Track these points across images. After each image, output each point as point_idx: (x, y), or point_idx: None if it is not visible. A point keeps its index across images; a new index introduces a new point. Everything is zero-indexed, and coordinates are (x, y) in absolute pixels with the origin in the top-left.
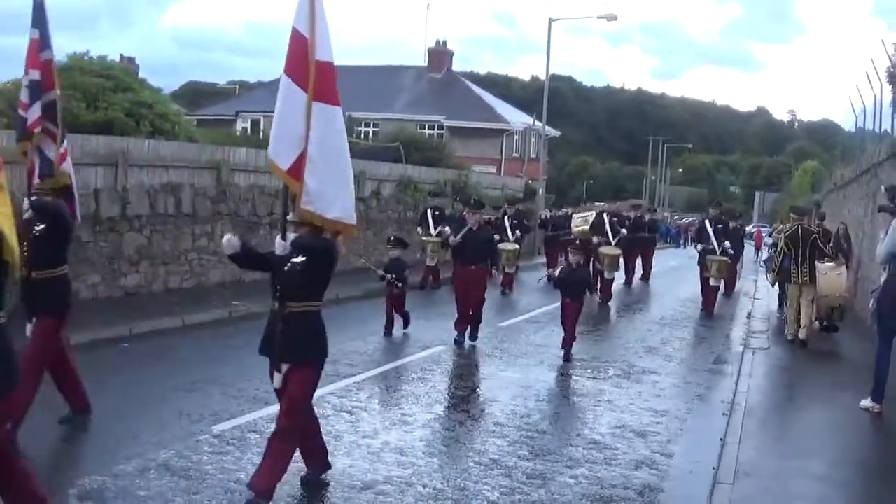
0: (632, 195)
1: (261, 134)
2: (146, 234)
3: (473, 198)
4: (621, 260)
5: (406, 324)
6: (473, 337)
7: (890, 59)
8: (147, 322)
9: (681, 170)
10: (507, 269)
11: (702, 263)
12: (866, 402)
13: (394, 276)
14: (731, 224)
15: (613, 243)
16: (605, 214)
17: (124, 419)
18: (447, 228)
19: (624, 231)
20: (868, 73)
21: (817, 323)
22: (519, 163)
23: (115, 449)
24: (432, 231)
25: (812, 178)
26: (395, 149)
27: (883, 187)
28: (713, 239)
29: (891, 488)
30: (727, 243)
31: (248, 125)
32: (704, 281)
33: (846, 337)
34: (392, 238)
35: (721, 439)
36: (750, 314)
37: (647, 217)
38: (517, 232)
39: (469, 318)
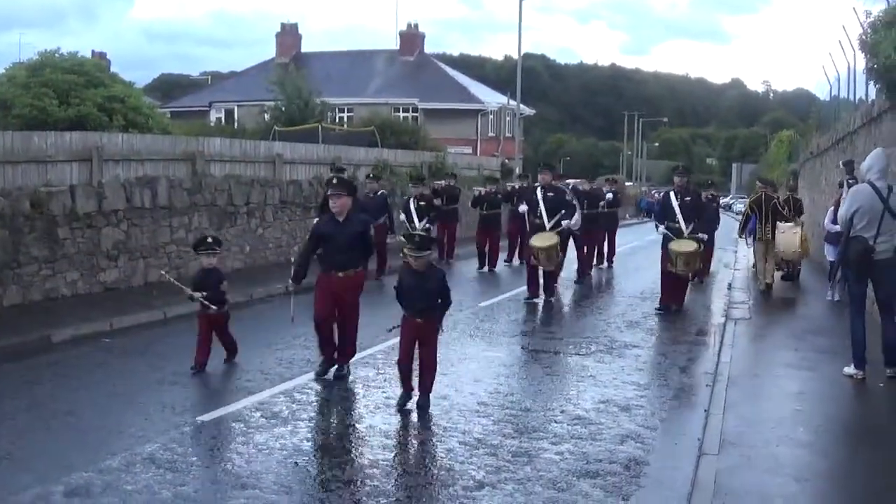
0: (609, 171)
1: (235, 124)
2: (123, 229)
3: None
4: (558, 251)
5: (231, 354)
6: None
7: (862, 25)
8: (128, 316)
9: (657, 144)
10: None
11: (665, 251)
12: (849, 370)
13: (204, 294)
14: (703, 194)
15: (549, 226)
16: (538, 188)
17: (108, 414)
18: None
19: (569, 222)
20: (840, 41)
21: (778, 273)
22: (495, 142)
23: (100, 444)
24: (417, 224)
25: (788, 147)
26: (371, 133)
27: (840, 162)
28: (679, 216)
29: (874, 452)
30: (703, 236)
31: (223, 115)
32: (668, 274)
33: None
34: (203, 241)
35: (705, 410)
36: (731, 285)
37: (606, 190)
38: (425, 218)
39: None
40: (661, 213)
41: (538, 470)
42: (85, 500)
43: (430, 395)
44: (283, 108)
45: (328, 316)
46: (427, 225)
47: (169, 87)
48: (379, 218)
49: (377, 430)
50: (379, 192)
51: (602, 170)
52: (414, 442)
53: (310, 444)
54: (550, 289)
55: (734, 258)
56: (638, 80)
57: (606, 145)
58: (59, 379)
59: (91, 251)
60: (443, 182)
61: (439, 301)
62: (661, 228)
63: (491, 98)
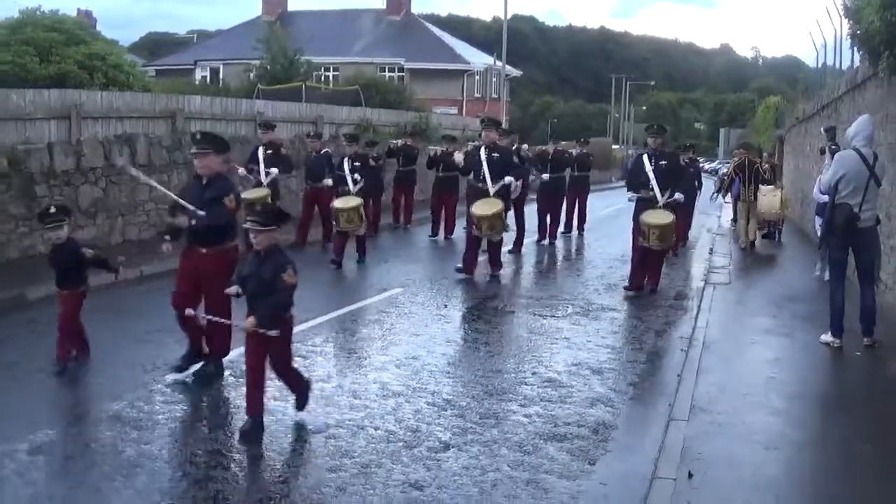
0: (596, 133)
1: (220, 82)
2: (102, 187)
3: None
4: (506, 216)
5: (83, 354)
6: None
7: None
8: (105, 274)
9: (645, 107)
10: (356, 233)
11: (636, 223)
12: (826, 337)
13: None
14: (682, 158)
15: (493, 191)
16: (482, 148)
17: (78, 372)
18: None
19: (516, 182)
20: (827, 7)
21: (759, 233)
22: (481, 103)
23: (67, 402)
24: (350, 186)
25: (775, 113)
26: (355, 92)
27: (822, 128)
28: (654, 183)
29: (847, 421)
30: (678, 195)
31: (208, 74)
32: (640, 250)
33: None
34: (46, 212)
35: (678, 375)
36: (712, 249)
37: (573, 152)
38: (356, 177)
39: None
40: (632, 178)
41: (505, 432)
42: (49, 457)
43: (307, 406)
44: (268, 67)
45: (185, 300)
46: (360, 185)
47: (155, 45)
48: (322, 179)
49: (345, 390)
50: (322, 151)
51: (590, 132)
52: (381, 402)
53: (276, 403)
54: (496, 262)
55: (717, 223)
56: (626, 44)
57: (594, 108)
58: (33, 337)
59: (69, 209)
60: (399, 141)
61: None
62: (631, 195)
63: (478, 59)
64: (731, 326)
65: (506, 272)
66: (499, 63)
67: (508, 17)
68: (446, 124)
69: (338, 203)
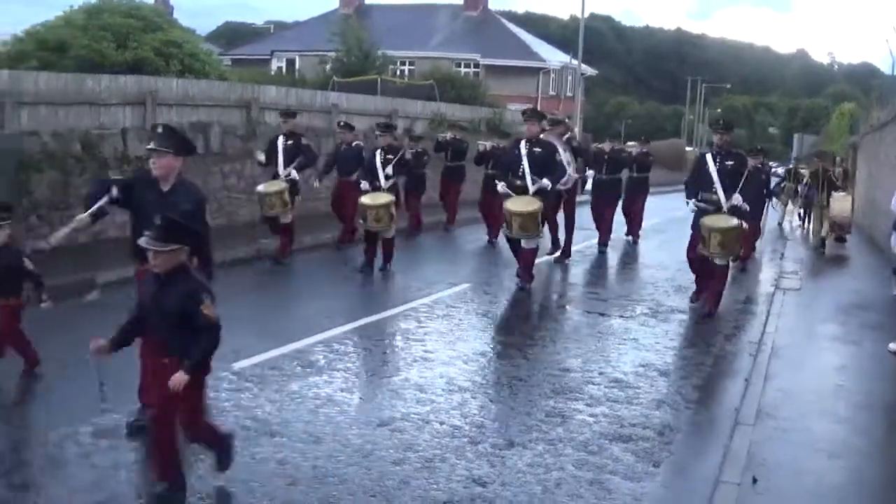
0: (670, 135)
1: (296, 73)
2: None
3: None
4: (538, 220)
5: (31, 365)
6: None
7: None
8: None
9: (719, 110)
10: (384, 235)
11: (696, 229)
12: (894, 346)
13: None
14: (750, 163)
15: (532, 189)
16: (522, 142)
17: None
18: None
19: (553, 181)
20: None
21: (833, 237)
22: (555, 101)
23: (133, 388)
24: (382, 181)
25: (849, 120)
26: (430, 87)
27: None
28: (717, 185)
29: None
30: (738, 198)
31: (283, 64)
32: (700, 260)
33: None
34: None
35: (745, 380)
36: (783, 255)
37: (632, 151)
38: (388, 171)
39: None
40: (693, 179)
41: (570, 431)
42: (112, 440)
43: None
44: (344, 59)
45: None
46: (393, 180)
47: (232, 35)
48: (352, 173)
49: (412, 384)
50: (354, 144)
51: (663, 133)
52: (448, 397)
53: (343, 394)
54: (528, 271)
55: (790, 227)
56: (702, 46)
57: (668, 109)
58: (99, 320)
59: None
60: (448, 135)
61: (189, 334)
62: (692, 203)
63: (553, 56)
64: (799, 332)
65: (576, 271)
66: (574, 61)
67: (585, 15)
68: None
69: (365, 199)
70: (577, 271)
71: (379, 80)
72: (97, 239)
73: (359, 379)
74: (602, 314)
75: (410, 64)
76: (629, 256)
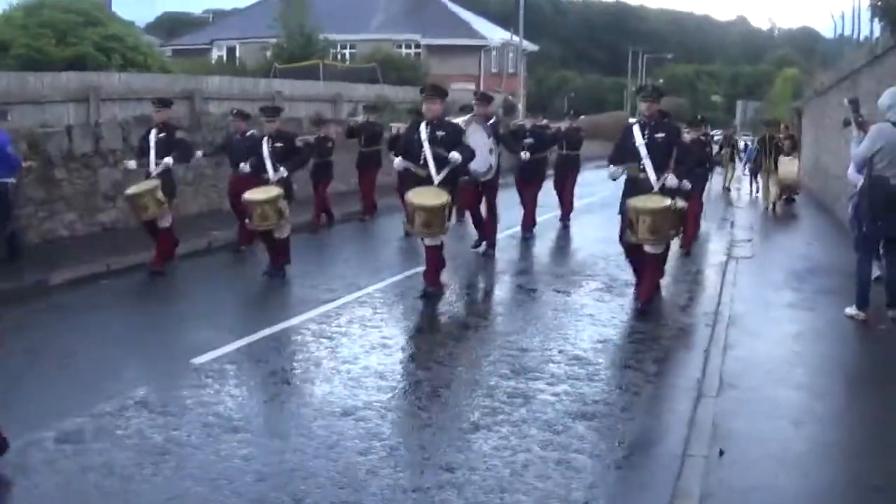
0: (613, 107)
1: (236, 62)
2: (121, 169)
3: None
4: (445, 216)
5: None
6: None
7: None
8: (125, 257)
9: (661, 80)
10: (276, 235)
11: (623, 213)
12: (851, 310)
13: None
14: (693, 134)
15: (437, 180)
16: (422, 125)
17: (103, 357)
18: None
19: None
20: None
21: (782, 198)
22: (498, 78)
23: (93, 388)
24: (270, 174)
25: (792, 85)
26: (372, 69)
27: (846, 99)
28: (646, 160)
29: (872, 395)
30: (672, 179)
31: (224, 53)
32: (629, 248)
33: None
34: None
35: (704, 351)
36: (733, 223)
37: (561, 126)
38: (277, 165)
39: None
40: (618, 155)
41: (534, 411)
42: (76, 446)
43: None
44: (285, 45)
45: None
46: (283, 174)
47: (172, 24)
48: (242, 165)
49: (372, 371)
50: (248, 133)
51: (607, 105)
52: (409, 383)
53: (304, 386)
54: (434, 276)
55: (737, 195)
56: (642, 16)
57: (611, 81)
58: (55, 323)
59: (89, 192)
60: (359, 118)
61: None
62: (613, 170)
63: (494, 34)
64: (755, 301)
65: (524, 249)
66: (515, 38)
67: None
68: (465, 100)
69: (248, 194)
70: (525, 248)
71: (321, 64)
72: (46, 240)
73: (319, 368)
74: (557, 291)
75: (351, 47)
76: (571, 233)
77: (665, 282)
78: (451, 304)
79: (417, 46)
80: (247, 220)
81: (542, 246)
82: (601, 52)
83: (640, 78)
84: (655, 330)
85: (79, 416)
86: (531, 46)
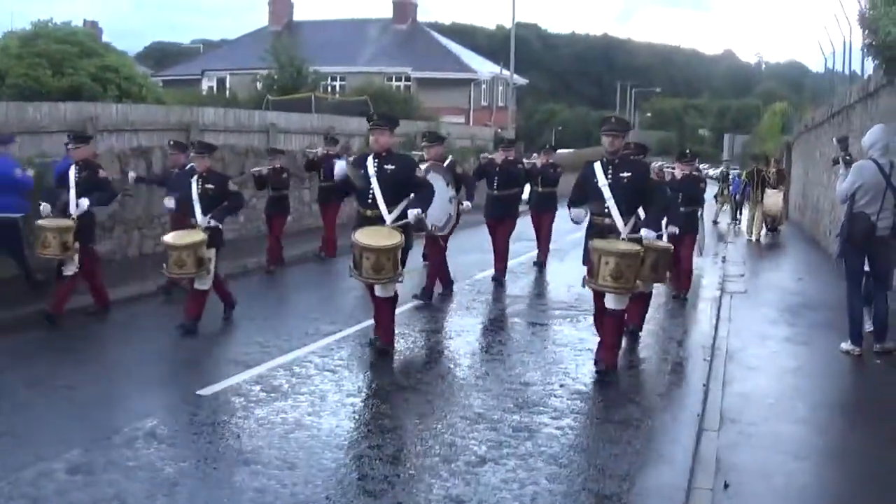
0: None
1: (227, 92)
2: (118, 200)
3: None
4: (396, 260)
5: None
6: None
7: (859, 1)
8: (123, 288)
9: (649, 114)
10: (196, 286)
11: (588, 259)
12: (846, 345)
13: None
14: (679, 171)
15: (389, 220)
16: (369, 158)
17: (108, 389)
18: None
19: (416, 211)
20: (836, 15)
21: (765, 229)
22: (487, 112)
23: (101, 420)
24: (199, 218)
25: (782, 119)
26: (363, 102)
27: (834, 139)
28: (611, 205)
29: (870, 427)
30: (649, 234)
31: (214, 84)
32: (597, 297)
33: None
34: None
35: (704, 385)
36: (724, 258)
37: (535, 163)
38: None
39: None
40: (578, 192)
41: (539, 445)
42: (87, 477)
43: None
44: (276, 77)
45: None
46: (211, 223)
47: (161, 55)
48: (167, 200)
49: (376, 406)
50: (187, 167)
51: (594, 139)
52: (415, 417)
53: (311, 419)
54: (386, 331)
55: (728, 229)
56: (630, 50)
57: (598, 115)
58: (56, 353)
59: None
60: (318, 150)
61: None
62: (576, 212)
63: (484, 67)
64: (751, 335)
65: (526, 283)
66: (506, 72)
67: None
68: (455, 133)
69: (168, 237)
70: (525, 282)
71: (313, 97)
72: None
73: (324, 402)
74: (553, 325)
75: (342, 80)
76: (555, 271)
77: (659, 316)
78: (450, 337)
79: (408, 79)
80: (163, 266)
81: (539, 282)
82: (589, 86)
83: (628, 111)
84: (654, 364)
85: (87, 448)
86: (520, 80)
